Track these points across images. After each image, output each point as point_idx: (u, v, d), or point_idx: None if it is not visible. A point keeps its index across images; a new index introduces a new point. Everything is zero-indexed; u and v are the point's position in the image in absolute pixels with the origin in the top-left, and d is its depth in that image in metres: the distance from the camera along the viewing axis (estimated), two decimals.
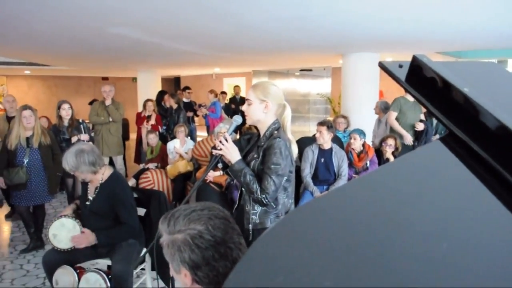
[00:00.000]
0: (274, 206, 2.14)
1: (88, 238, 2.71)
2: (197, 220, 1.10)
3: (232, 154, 2.11)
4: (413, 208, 0.63)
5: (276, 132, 2.16)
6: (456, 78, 0.81)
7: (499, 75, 0.97)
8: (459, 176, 0.71)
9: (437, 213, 0.62)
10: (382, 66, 0.97)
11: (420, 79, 0.88)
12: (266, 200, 2.06)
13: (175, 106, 7.34)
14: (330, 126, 4.39)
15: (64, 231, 2.78)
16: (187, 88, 9.05)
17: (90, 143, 4.76)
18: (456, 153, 0.75)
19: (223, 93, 10.58)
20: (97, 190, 2.83)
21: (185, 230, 1.09)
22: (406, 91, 0.91)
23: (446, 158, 0.75)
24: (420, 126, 5.17)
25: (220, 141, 2.12)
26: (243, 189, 2.22)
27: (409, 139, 5.14)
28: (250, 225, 2.15)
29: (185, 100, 8.69)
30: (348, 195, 0.65)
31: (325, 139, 4.35)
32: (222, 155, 2.14)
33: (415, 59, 0.90)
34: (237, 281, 0.48)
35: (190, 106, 8.65)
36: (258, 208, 2.14)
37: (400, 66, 0.94)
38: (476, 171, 0.69)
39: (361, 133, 4.76)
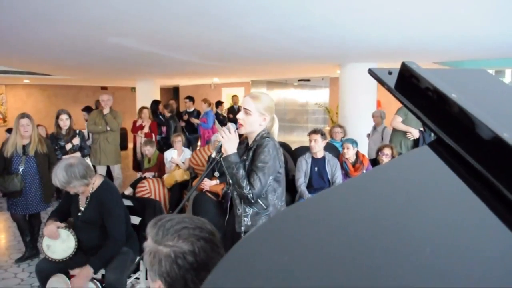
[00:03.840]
0: (265, 207, 2.17)
1: (84, 274, 2.59)
2: (185, 239, 1.07)
3: (232, 145, 2.13)
4: (399, 212, 0.63)
5: (265, 134, 2.21)
6: (444, 84, 0.81)
7: (488, 82, 0.97)
8: (446, 181, 0.71)
9: (422, 217, 0.62)
10: (371, 73, 0.98)
11: (409, 86, 0.88)
12: (251, 196, 2.09)
13: (168, 115, 7.49)
14: (323, 133, 4.43)
15: (58, 242, 2.76)
16: (188, 97, 9.08)
17: (79, 155, 4.78)
18: (444, 158, 0.75)
19: (220, 102, 10.57)
20: (88, 200, 2.80)
21: (171, 246, 1.06)
22: (395, 97, 0.91)
23: (433, 163, 0.75)
24: (415, 134, 5.20)
25: (224, 131, 2.14)
26: (233, 190, 2.22)
27: (416, 133, 5.18)
28: (243, 228, 2.19)
29: (188, 110, 8.79)
30: (333, 199, 0.65)
31: (320, 147, 4.38)
32: (217, 161, 2.15)
33: (404, 66, 0.90)
34: (214, 284, 0.48)
35: (194, 115, 8.76)
36: (250, 210, 2.17)
37: (390, 73, 0.95)
38: (463, 176, 0.69)
39: (353, 142, 4.78)
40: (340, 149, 5.40)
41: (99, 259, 2.67)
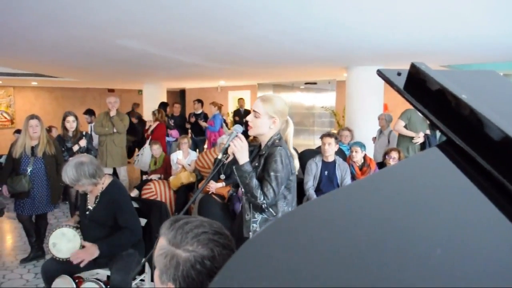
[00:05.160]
0: (274, 214, 2.16)
1: (89, 251, 2.64)
2: (205, 245, 1.05)
3: (244, 154, 2.11)
4: (408, 213, 0.62)
5: (277, 141, 2.18)
6: (454, 85, 0.80)
7: (497, 83, 0.96)
8: (456, 181, 0.69)
9: (432, 218, 0.61)
10: (380, 74, 0.97)
11: (418, 86, 0.87)
12: (265, 206, 2.09)
13: (135, 121, 7.66)
14: (336, 137, 4.43)
15: (64, 241, 2.77)
16: (197, 100, 9.10)
17: (87, 154, 4.80)
18: (453, 159, 0.73)
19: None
20: (97, 199, 2.81)
21: (191, 251, 1.04)
22: (404, 98, 0.90)
23: (443, 164, 0.74)
24: (420, 139, 5.18)
25: (237, 140, 2.11)
26: (243, 196, 2.20)
27: (420, 136, 5.17)
28: (250, 233, 2.18)
29: (196, 112, 8.84)
30: (341, 199, 0.64)
31: (333, 151, 4.37)
32: (223, 163, 2.14)
33: (413, 67, 0.89)
34: (222, 284, 0.47)
35: (201, 118, 8.84)
36: (259, 216, 2.16)
37: (399, 74, 0.94)
38: (473, 177, 0.68)
39: (362, 145, 4.78)
40: (347, 152, 5.38)
41: (108, 244, 2.69)
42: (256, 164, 2.18)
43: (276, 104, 2.19)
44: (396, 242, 0.56)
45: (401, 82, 0.92)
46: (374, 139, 6.57)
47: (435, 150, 0.78)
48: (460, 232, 0.59)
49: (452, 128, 0.76)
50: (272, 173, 2.08)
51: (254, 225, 2.16)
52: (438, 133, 5.94)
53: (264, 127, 2.18)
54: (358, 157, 4.68)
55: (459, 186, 0.69)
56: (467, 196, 0.66)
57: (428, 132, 5.35)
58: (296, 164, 2.26)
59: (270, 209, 2.14)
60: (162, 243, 1.08)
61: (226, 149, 2.12)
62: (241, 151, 2.10)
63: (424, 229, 0.58)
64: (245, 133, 2.39)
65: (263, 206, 2.08)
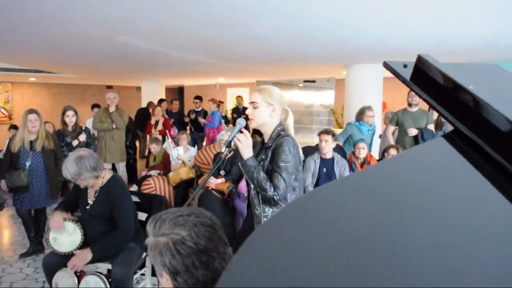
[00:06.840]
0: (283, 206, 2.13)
1: (82, 256, 2.60)
2: (181, 226, 1.08)
3: (249, 149, 2.11)
4: (416, 200, 0.63)
5: (282, 132, 2.17)
6: (460, 76, 0.81)
7: (501, 76, 0.97)
8: (463, 170, 0.71)
9: (441, 205, 0.62)
10: (386, 65, 0.98)
11: (425, 78, 0.88)
12: (277, 197, 2.05)
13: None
14: (334, 134, 4.43)
15: (65, 235, 2.77)
16: (197, 97, 9.11)
17: (86, 148, 4.78)
18: (460, 148, 0.74)
19: (220, 102, 10.61)
20: (96, 194, 2.80)
21: (168, 234, 1.08)
22: (411, 89, 0.91)
23: (450, 153, 0.75)
24: (412, 132, 5.17)
25: (242, 136, 2.11)
26: (252, 191, 2.17)
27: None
28: None
29: (196, 110, 8.87)
30: (351, 186, 0.65)
31: (330, 148, 4.38)
32: (223, 160, 2.15)
33: (420, 59, 0.90)
34: (225, 285, 0.47)
35: (201, 115, 8.91)
36: (269, 210, 2.12)
37: (405, 66, 0.95)
38: (481, 166, 0.69)
39: (366, 142, 4.84)
40: (366, 133, 5.44)
41: (101, 245, 2.67)
42: (263, 157, 2.16)
43: (272, 91, 2.20)
44: (406, 228, 0.57)
45: (407, 74, 0.93)
46: (381, 136, 6.57)
47: (441, 140, 0.79)
48: (470, 218, 0.60)
49: (459, 118, 0.77)
50: (281, 164, 2.06)
51: (265, 219, 2.13)
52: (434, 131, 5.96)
53: (264, 116, 2.17)
54: (364, 154, 4.70)
55: (467, 175, 0.70)
56: (475, 185, 0.67)
57: (430, 127, 5.34)
58: (300, 153, 2.25)
59: (280, 202, 2.09)
60: (148, 238, 1.13)
61: (230, 142, 2.13)
62: (245, 147, 2.09)
63: (433, 216, 0.59)
64: (246, 128, 2.38)
65: (275, 198, 2.04)
